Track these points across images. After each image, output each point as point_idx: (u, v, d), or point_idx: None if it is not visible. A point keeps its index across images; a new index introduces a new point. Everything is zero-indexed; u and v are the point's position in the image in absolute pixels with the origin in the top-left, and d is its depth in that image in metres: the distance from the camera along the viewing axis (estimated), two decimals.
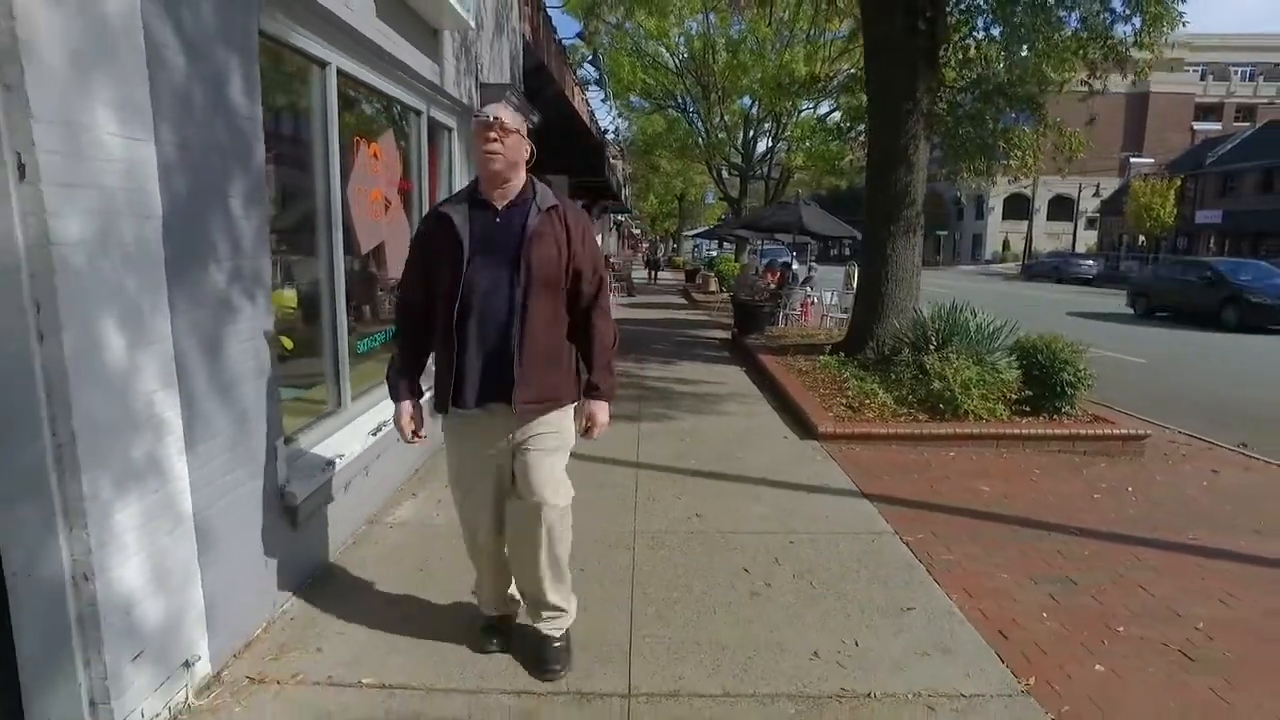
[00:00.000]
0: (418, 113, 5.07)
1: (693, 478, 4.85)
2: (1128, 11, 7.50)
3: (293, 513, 3.04)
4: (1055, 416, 6.03)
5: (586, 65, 18.74)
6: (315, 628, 2.89)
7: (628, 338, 11.37)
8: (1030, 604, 3.23)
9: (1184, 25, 8.02)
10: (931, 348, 6.90)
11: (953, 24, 8.28)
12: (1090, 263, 34.95)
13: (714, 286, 20.96)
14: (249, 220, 2.68)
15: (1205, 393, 8.95)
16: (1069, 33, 7.95)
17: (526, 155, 2.44)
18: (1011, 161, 9.01)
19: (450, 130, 5.84)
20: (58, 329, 1.87)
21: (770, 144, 22.82)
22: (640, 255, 42.12)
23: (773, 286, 13.22)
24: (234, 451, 2.64)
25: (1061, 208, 50.06)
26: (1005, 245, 51.33)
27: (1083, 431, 5.77)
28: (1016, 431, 5.80)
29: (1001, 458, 5.52)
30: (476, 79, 6.09)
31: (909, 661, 2.74)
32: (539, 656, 2.62)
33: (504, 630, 2.80)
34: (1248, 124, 45.38)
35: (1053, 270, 34.99)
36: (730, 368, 9.19)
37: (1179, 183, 36.69)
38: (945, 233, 55.56)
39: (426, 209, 4.73)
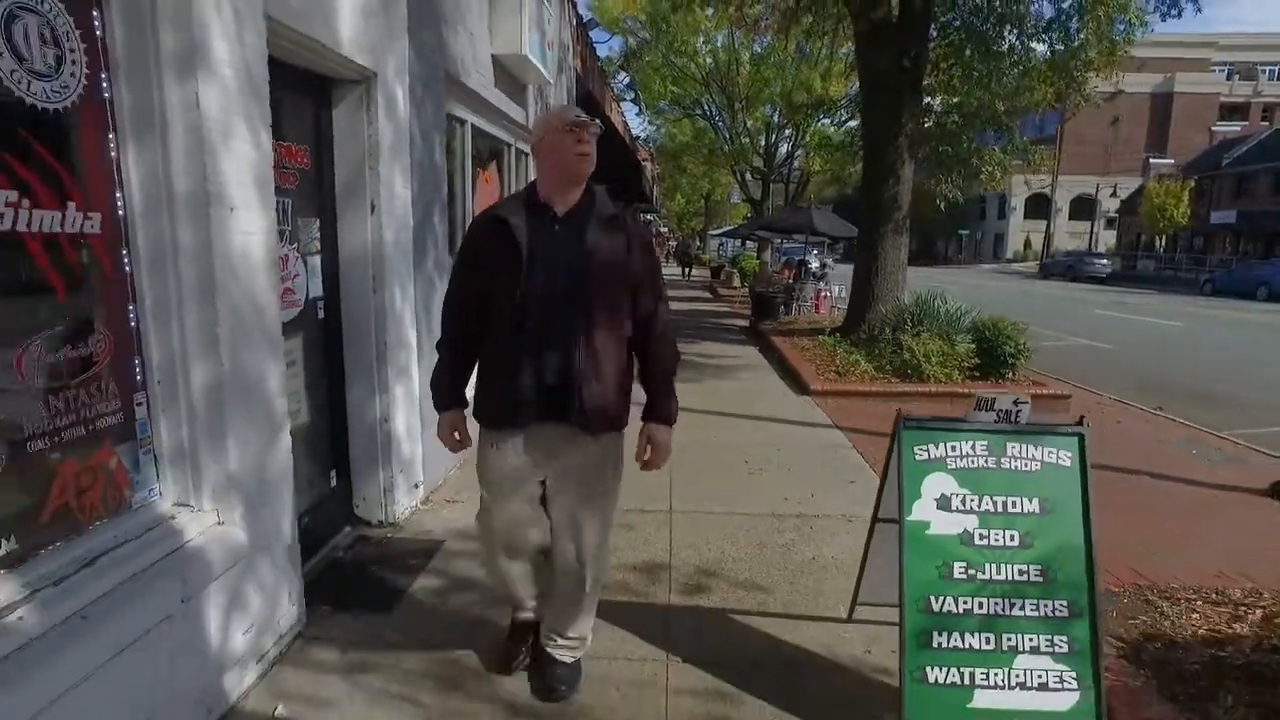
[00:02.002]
0: (508, 145, 6.83)
1: (711, 415, 6.57)
2: (1080, 54, 9.04)
3: None
4: (1000, 380, 7.65)
5: (619, 75, 20.47)
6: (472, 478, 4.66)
7: None
8: None
9: (1131, 45, 9.49)
10: (908, 328, 8.53)
11: (934, 60, 9.88)
12: (1104, 261, 35.98)
13: (737, 282, 22.64)
14: (441, 228, 4.46)
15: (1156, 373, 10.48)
16: (1032, 66, 9.52)
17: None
18: (983, 175, 10.60)
19: (525, 155, 7.60)
20: (380, 288, 3.65)
21: (790, 149, 24.44)
22: (670, 252, 43.65)
23: (788, 281, 14.88)
24: None
25: (1084, 208, 50.79)
26: (1026, 244, 52.19)
27: (1015, 391, 7.39)
28: (966, 391, 7.42)
29: (953, 409, 7.15)
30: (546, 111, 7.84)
31: (843, 505, 4.43)
32: (548, 675, 2.54)
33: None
34: (1272, 125, 45.87)
35: (1067, 269, 36.06)
36: (746, 347, 10.92)
37: (1192, 184, 37.55)
38: (967, 232, 56.48)
39: None
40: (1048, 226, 46.31)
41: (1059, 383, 8.01)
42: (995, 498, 2.43)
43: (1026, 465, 2.45)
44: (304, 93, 3.23)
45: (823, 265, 17.14)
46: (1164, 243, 41.09)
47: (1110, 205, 48.53)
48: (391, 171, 3.67)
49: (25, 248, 1.87)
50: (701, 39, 20.92)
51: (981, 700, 2.31)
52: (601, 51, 17.37)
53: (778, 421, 6.43)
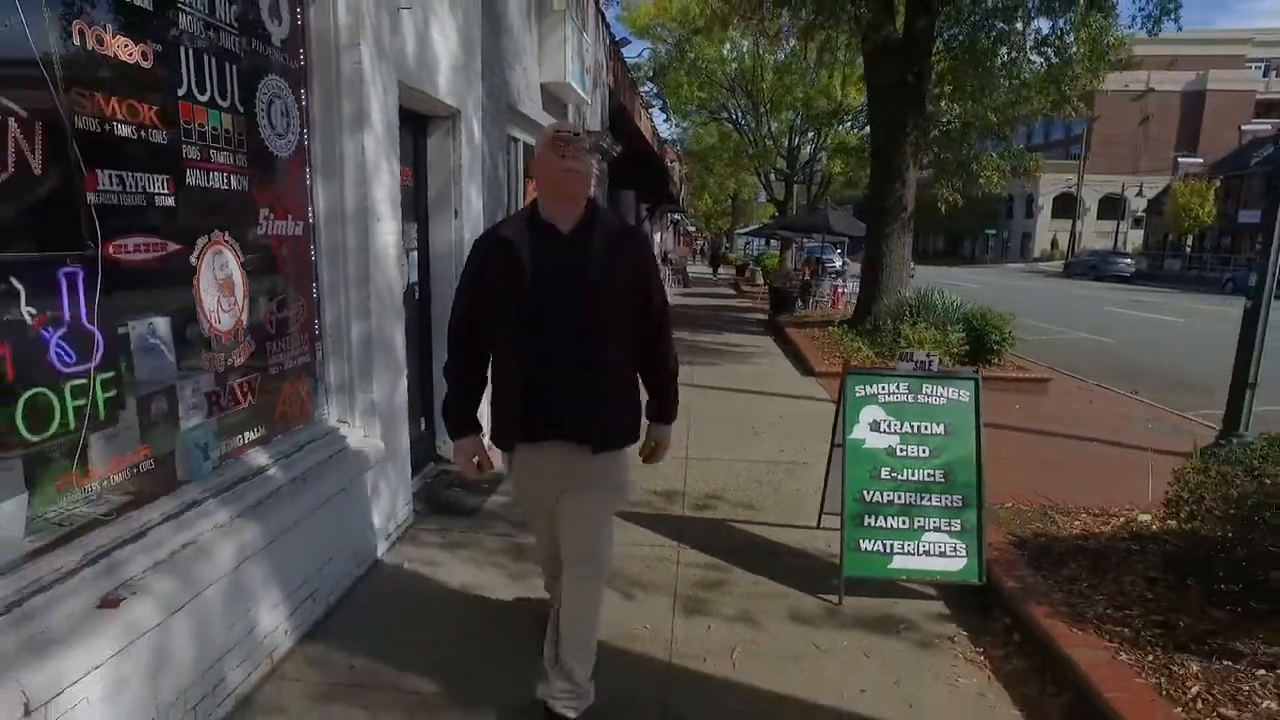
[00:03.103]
0: None
1: (726, 391, 7.57)
2: (1068, 69, 9.88)
3: None
4: (986, 364, 8.54)
5: (649, 85, 21.52)
6: None
7: (684, 318, 14.17)
8: None
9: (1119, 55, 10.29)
10: (907, 319, 9.44)
11: (938, 74, 10.75)
12: (1128, 260, 36.23)
13: (760, 279, 23.54)
14: None
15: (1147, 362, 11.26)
16: (1026, 81, 10.37)
17: (596, 175, 2.28)
18: (981, 180, 11.44)
19: None
20: (458, 274, 4.70)
21: (812, 152, 25.30)
22: (697, 251, 44.51)
23: (806, 277, 15.79)
24: None
25: (1113, 207, 50.75)
26: (1054, 244, 52.24)
27: (1001, 375, 8.28)
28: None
29: None
30: (584, 127, 8.89)
31: (826, 456, 5.40)
32: None
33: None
34: None
35: (1090, 269, 36.34)
36: (763, 337, 11.89)
37: (1218, 183, 37.57)
38: (994, 231, 56.63)
39: None
40: (1073, 226, 46.43)
41: (1042, 368, 8.88)
42: (912, 423, 3.41)
43: (935, 400, 3.43)
44: (410, 128, 4.29)
45: (844, 263, 18.04)
46: (1191, 242, 41.08)
47: (1139, 205, 48.47)
48: (470, 185, 4.72)
49: (270, 245, 2.94)
50: (727, 46, 21.85)
51: (897, 563, 3.29)
52: (631, 54, 18.43)
53: (783, 396, 7.41)
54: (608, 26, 10.60)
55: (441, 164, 4.60)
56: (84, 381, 2.07)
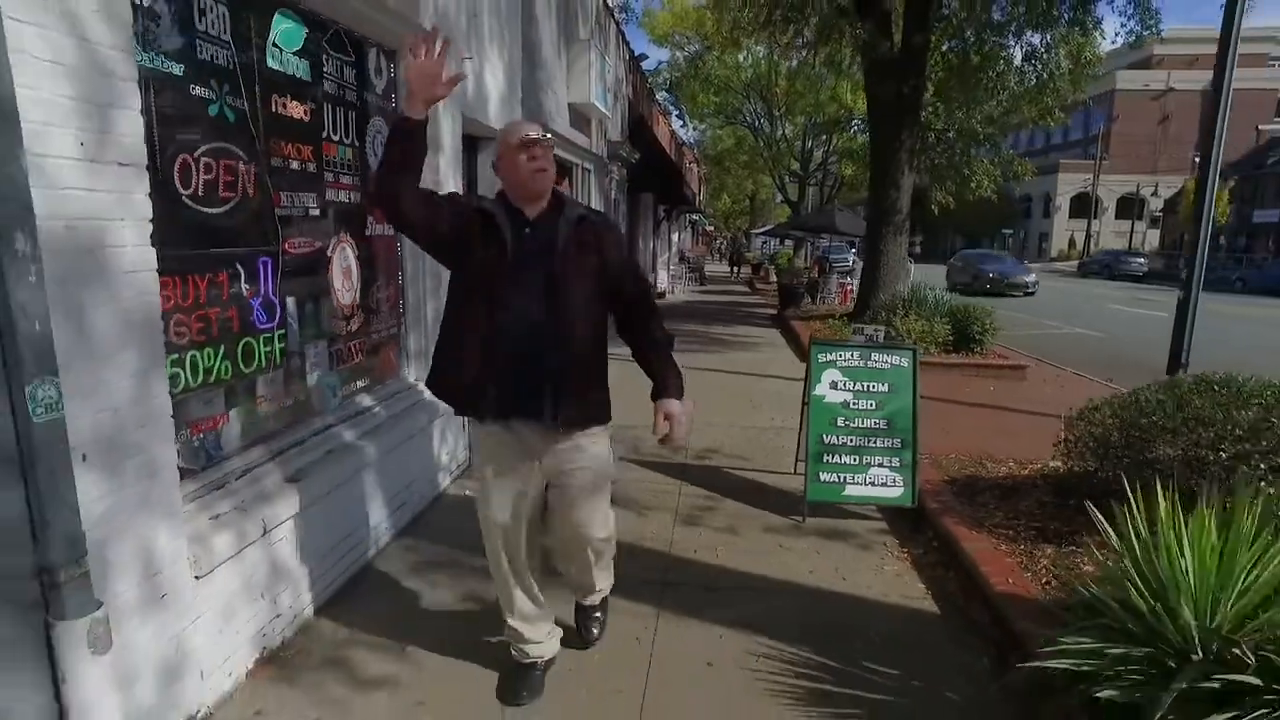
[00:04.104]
0: (576, 164, 8.88)
1: (730, 374, 8.52)
2: (1055, 81, 10.73)
3: None
4: (970, 353, 9.41)
5: (666, 92, 22.51)
6: None
7: (699, 312, 15.15)
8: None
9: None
10: (900, 312, 10.31)
11: (935, 85, 11.63)
12: (1140, 260, 36.56)
13: (773, 277, 24.42)
14: None
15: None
16: (1017, 93, 11.24)
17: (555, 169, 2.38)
18: (972, 184, 12.29)
19: (588, 170, 9.64)
20: None
21: (824, 155, 26.15)
22: (716, 251, 45.21)
23: (814, 275, 16.67)
24: None
25: (1130, 207, 50.90)
26: (1071, 244, 52.44)
27: (983, 362, 9.16)
28: (941, 361, 9.21)
29: (929, 378, 8.95)
30: (605, 137, 9.89)
31: None
32: (579, 623, 2.91)
33: (538, 674, 2.63)
34: None
35: (1104, 268, 36.70)
36: (770, 330, 12.82)
37: (1232, 183, 37.83)
38: (1011, 231, 56.87)
39: None
40: (1089, 226, 46.71)
41: (1022, 357, 9.73)
42: (862, 382, 4.34)
43: (881, 365, 4.36)
44: (466, 148, 5.28)
45: (854, 262, 18.90)
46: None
47: (1156, 205, 48.65)
48: None
49: (372, 243, 3.95)
50: (743, 54, 22.77)
51: (849, 490, 4.23)
52: (649, 66, 19.40)
53: (782, 379, 8.34)
54: (628, 43, 11.57)
55: (488, 179, 5.59)
56: (269, 335, 3.07)
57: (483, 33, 5.00)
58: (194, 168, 2.56)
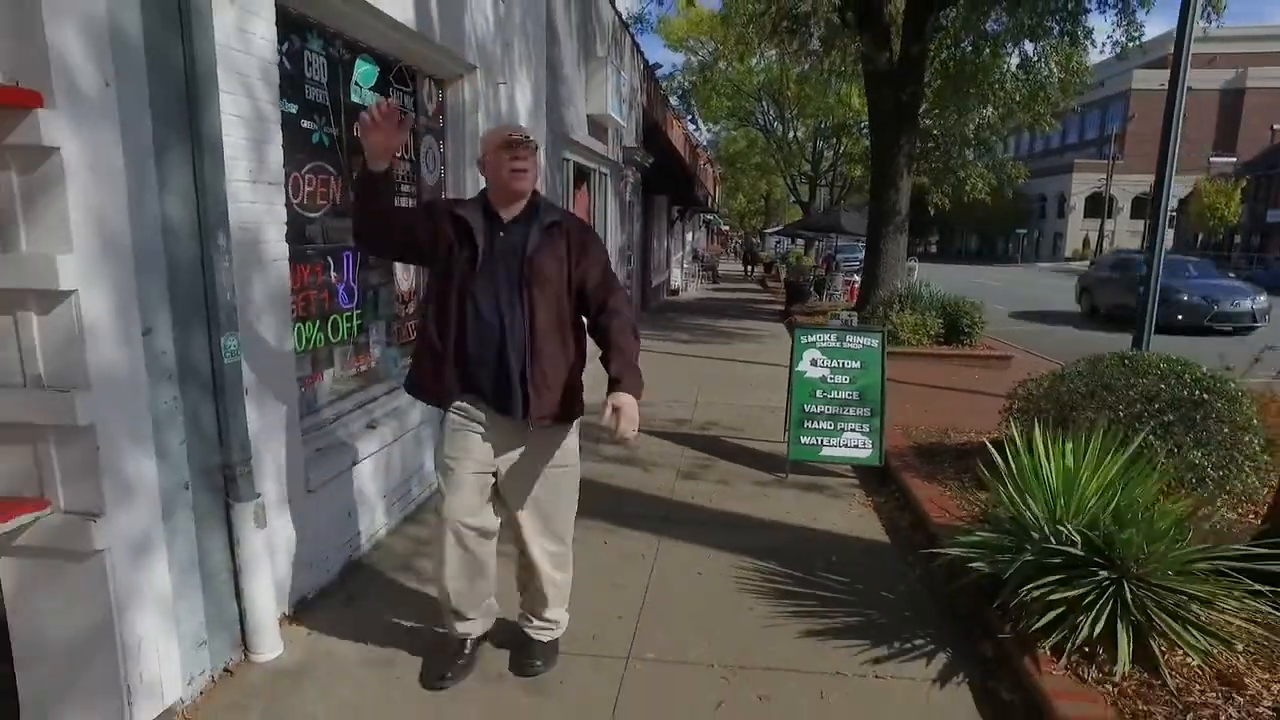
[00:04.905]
0: (594, 170, 9.65)
1: (734, 362, 9.28)
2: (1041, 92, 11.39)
3: None
4: (959, 345, 10.10)
5: (679, 99, 23.26)
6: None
7: (710, 308, 15.89)
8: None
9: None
10: (897, 307, 11.01)
11: (932, 92, 12.30)
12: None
13: (783, 275, 25.13)
14: None
15: None
16: (1019, 97, 11.91)
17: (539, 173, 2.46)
18: (967, 186, 12.95)
19: (605, 175, 10.42)
20: None
21: (835, 156, 26.83)
22: (731, 250, 45.82)
23: (821, 273, 17.36)
24: None
25: (1146, 207, 50.94)
26: (1085, 243, 52.58)
27: (972, 353, 9.85)
28: (932, 351, 9.92)
29: (919, 367, 9.67)
30: (620, 144, 10.66)
31: None
32: (523, 653, 2.69)
33: (470, 653, 2.70)
34: None
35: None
36: (775, 324, 13.55)
37: (1244, 182, 38.01)
38: (1025, 231, 57.08)
39: (596, 221, 9.39)
40: (1102, 226, 46.92)
41: (1009, 348, 10.41)
42: (838, 360, 5.08)
43: (855, 345, 5.10)
44: None
45: (861, 261, 19.53)
46: (1221, 240, 41.49)
47: (1172, 204, 48.67)
48: None
49: None
50: (755, 58, 23.50)
51: (826, 451, 4.98)
52: (663, 73, 20.19)
53: (780, 366, 9.00)
54: (642, 54, 12.34)
55: None
56: (350, 314, 3.86)
57: (514, 58, 5.77)
58: (301, 182, 3.36)
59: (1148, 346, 6.88)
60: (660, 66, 16.31)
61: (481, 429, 2.45)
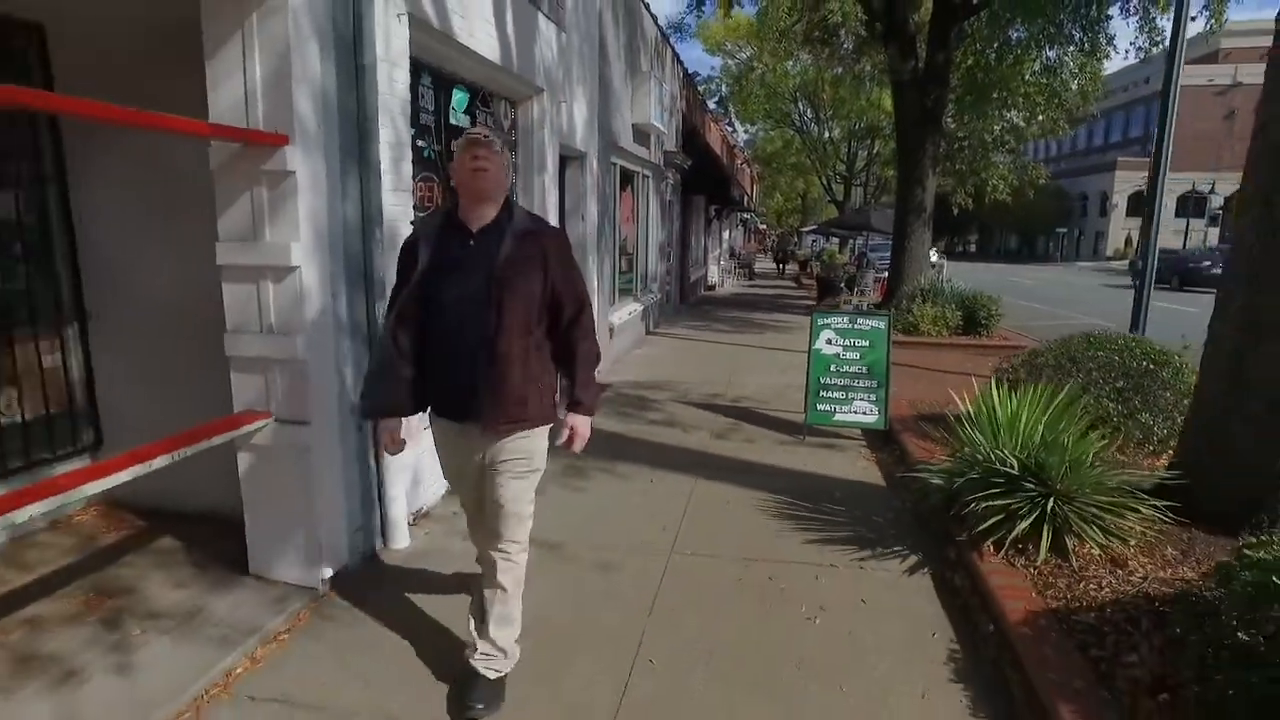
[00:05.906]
0: (637, 173, 10.55)
1: (765, 349, 10.11)
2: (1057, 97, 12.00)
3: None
4: (977, 336, 10.78)
5: (716, 104, 24.07)
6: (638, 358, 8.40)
7: (745, 303, 16.69)
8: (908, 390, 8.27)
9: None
10: (919, 300, 11.71)
11: (955, 97, 12.96)
12: (1206, 262, 36.47)
13: (816, 272, 25.79)
14: (608, 228, 8.20)
15: None
16: (1040, 101, 12.52)
17: (509, 179, 2.45)
18: (988, 187, 13.56)
19: (647, 177, 11.32)
20: (584, 260, 7.42)
21: (868, 157, 27.40)
22: (768, 248, 46.33)
23: (852, 269, 18.05)
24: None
25: (1191, 205, 50.28)
26: (1127, 242, 52.02)
27: (989, 343, 10.53)
28: (951, 342, 10.62)
29: (936, 355, 10.39)
30: (661, 149, 11.55)
31: None
32: (464, 689, 2.51)
33: None
34: None
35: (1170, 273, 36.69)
36: (804, 317, 14.17)
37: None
38: (1065, 229, 56.57)
39: (638, 219, 10.33)
40: (1143, 224, 46.32)
41: (1026, 339, 11.04)
42: (850, 339, 5.90)
43: (864, 327, 5.91)
44: (560, 165, 7.00)
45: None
46: None
47: (1215, 202, 48.01)
48: (590, 200, 7.41)
49: None
50: (791, 61, 24.23)
51: (838, 417, 5.81)
52: (700, 80, 21.03)
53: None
54: (681, 64, 13.20)
55: (575, 187, 7.30)
56: None
57: (573, 79, 6.69)
58: (416, 188, 4.31)
59: (1144, 330, 7.60)
60: (698, 74, 17.19)
61: (458, 438, 2.48)
